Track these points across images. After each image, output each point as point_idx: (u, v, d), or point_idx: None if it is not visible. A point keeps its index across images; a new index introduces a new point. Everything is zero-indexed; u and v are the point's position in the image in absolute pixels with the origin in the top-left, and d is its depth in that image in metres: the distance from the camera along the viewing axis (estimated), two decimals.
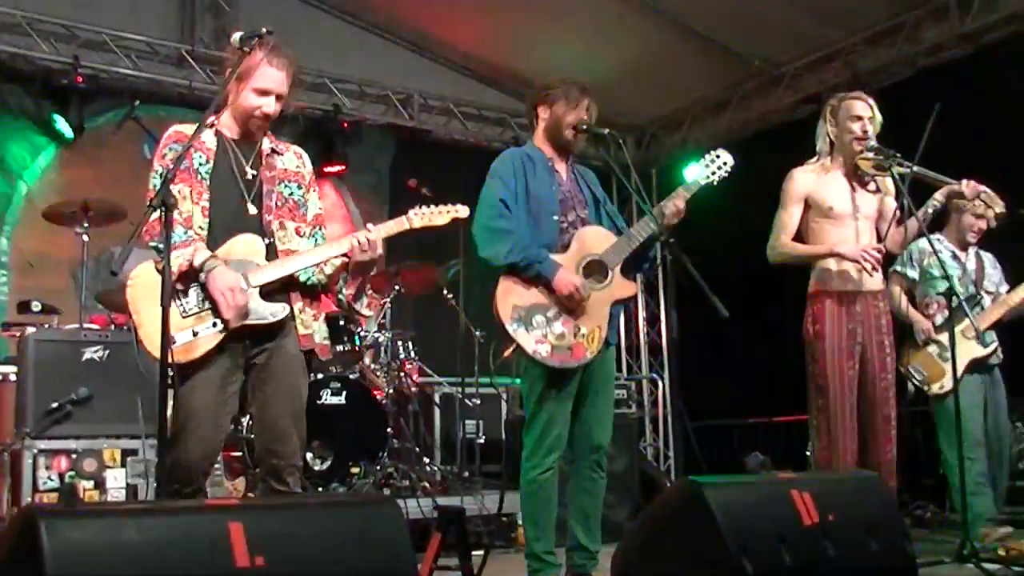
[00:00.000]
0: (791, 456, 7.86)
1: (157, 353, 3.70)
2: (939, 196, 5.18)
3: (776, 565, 3.26)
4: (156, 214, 3.71)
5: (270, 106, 4.10)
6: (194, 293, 3.88)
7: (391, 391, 7.33)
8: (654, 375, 10.65)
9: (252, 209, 4.07)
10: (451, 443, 8.02)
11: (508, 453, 7.77)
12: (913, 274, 6.12)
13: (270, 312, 3.95)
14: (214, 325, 3.87)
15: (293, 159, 4.29)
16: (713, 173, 4.76)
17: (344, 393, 6.79)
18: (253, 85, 4.07)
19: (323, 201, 4.37)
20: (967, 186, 5.09)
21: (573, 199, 4.72)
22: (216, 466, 5.45)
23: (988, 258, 6.24)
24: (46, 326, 6.46)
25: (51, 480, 5.83)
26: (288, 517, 2.74)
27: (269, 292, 3.97)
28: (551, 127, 4.76)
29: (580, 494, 4.76)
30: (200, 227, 3.96)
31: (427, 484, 6.84)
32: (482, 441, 7.86)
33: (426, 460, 7.42)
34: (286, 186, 4.20)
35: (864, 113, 5.23)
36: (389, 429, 6.98)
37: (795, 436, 7.86)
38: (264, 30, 3.99)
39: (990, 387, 6.00)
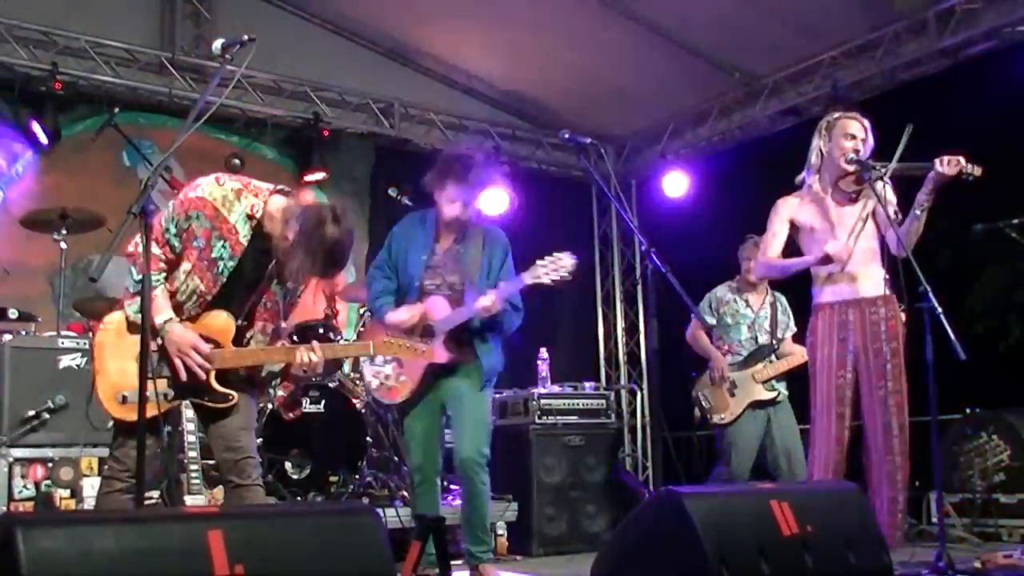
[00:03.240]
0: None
1: (107, 405, 3.92)
2: (923, 195, 5.11)
3: None
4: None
5: None
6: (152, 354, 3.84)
7: (370, 399, 7.31)
8: (632, 385, 10.66)
9: (245, 301, 4.05)
10: None
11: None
12: (711, 320, 6.92)
13: (220, 398, 3.99)
14: (166, 397, 3.89)
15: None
16: (548, 274, 5.07)
17: (323, 402, 6.77)
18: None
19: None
20: (944, 165, 4.96)
21: (444, 267, 5.33)
22: (195, 476, 5.42)
23: (781, 302, 6.99)
24: (23, 333, 6.42)
25: (27, 489, 5.80)
26: (268, 525, 2.74)
27: (225, 377, 4.00)
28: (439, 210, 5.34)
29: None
30: (189, 310, 3.96)
31: (405, 493, 6.82)
32: None
33: (405, 469, 7.39)
34: (282, 288, 4.13)
35: (859, 133, 5.26)
36: (368, 438, 6.96)
37: None
38: (246, 37, 3.96)
39: (775, 419, 6.76)
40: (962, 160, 4.95)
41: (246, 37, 3.96)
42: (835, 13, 8.33)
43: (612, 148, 10.77)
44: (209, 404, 3.99)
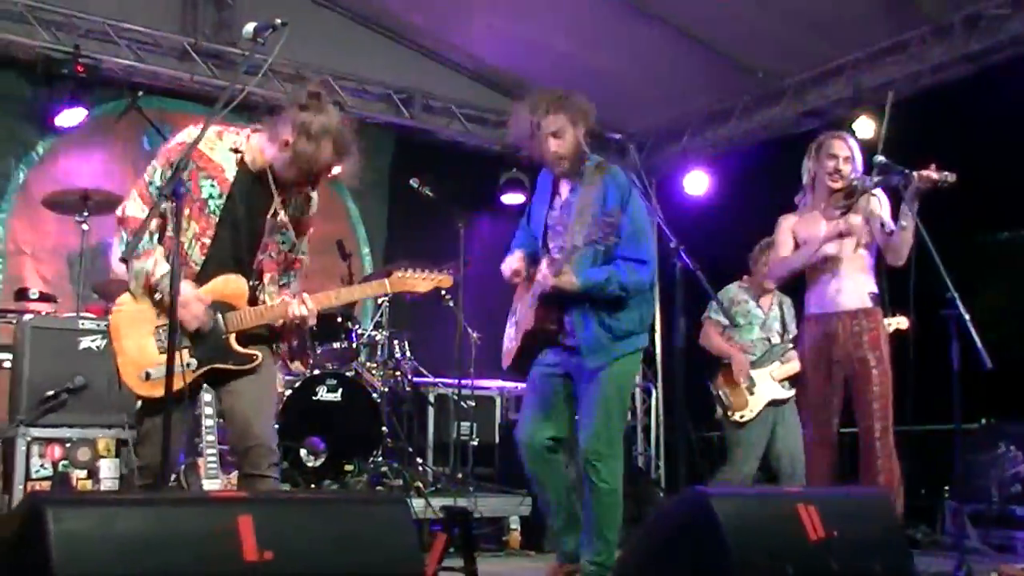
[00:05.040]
0: None
1: (131, 385, 3.86)
2: (905, 207, 5.10)
3: None
4: (137, 210, 3.82)
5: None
6: None
7: (386, 390, 7.32)
8: (648, 384, 10.61)
9: (251, 256, 4.03)
10: (444, 444, 7.99)
11: (501, 456, 7.78)
12: (724, 320, 6.87)
13: (244, 360, 3.96)
14: (189, 367, 3.86)
15: (300, 206, 4.18)
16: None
17: (340, 390, 6.77)
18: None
19: (319, 200, 4.31)
20: (920, 179, 4.97)
21: (560, 224, 4.74)
22: (211, 460, 5.42)
23: (786, 303, 6.99)
24: (43, 313, 6.43)
25: (44, 468, 5.80)
26: (298, 512, 2.73)
27: (247, 338, 3.99)
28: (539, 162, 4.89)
29: None
30: (195, 263, 3.91)
31: (420, 484, 6.82)
32: (475, 443, 7.85)
33: (419, 460, 7.40)
34: (284, 236, 4.11)
35: (840, 152, 5.40)
36: (384, 428, 6.96)
37: None
38: (279, 21, 3.91)
39: (781, 421, 6.75)
40: (933, 174, 4.96)
41: (279, 21, 3.90)
42: (860, 16, 8.27)
43: (632, 145, 10.72)
44: (234, 367, 3.95)
